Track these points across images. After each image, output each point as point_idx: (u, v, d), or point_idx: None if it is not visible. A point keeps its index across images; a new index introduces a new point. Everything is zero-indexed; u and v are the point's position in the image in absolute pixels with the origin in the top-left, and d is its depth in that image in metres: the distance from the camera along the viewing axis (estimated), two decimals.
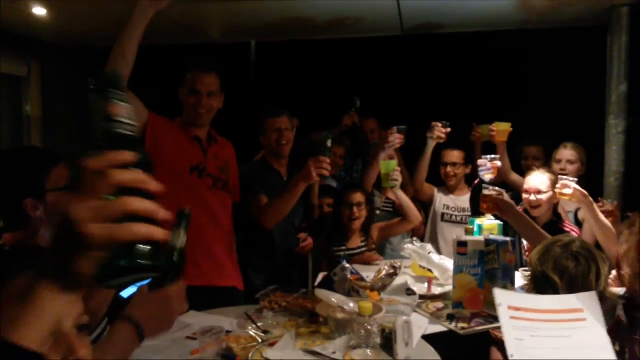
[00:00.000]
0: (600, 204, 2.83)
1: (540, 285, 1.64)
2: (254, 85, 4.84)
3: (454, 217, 3.43)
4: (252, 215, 2.72)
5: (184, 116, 2.47)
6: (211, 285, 2.38)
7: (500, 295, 1.53)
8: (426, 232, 3.53)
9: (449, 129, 3.24)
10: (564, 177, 2.69)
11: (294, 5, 3.37)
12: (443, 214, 3.47)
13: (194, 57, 4.32)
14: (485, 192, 2.36)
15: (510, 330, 1.45)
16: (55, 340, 0.85)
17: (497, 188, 2.36)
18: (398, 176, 2.98)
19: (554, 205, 2.81)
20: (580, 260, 1.65)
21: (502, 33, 4.00)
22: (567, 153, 3.23)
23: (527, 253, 2.72)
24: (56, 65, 4.35)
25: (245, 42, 4.80)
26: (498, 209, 2.33)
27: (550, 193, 2.75)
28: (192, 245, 2.28)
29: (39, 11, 3.45)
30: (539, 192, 2.76)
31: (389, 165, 3.00)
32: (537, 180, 2.78)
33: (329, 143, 2.46)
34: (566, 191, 2.60)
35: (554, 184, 2.74)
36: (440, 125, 3.25)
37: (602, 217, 2.57)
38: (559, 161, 3.25)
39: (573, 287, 1.64)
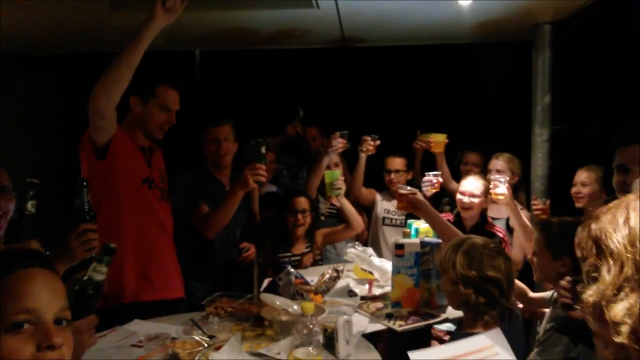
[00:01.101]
0: (536, 202, 3.11)
1: (479, 287, 1.73)
2: (199, 94, 4.85)
3: (394, 221, 3.57)
4: (192, 225, 2.73)
5: (132, 125, 2.39)
6: (162, 299, 2.37)
7: (415, 357, 1.62)
8: (368, 236, 3.66)
9: (377, 142, 3.39)
10: (496, 176, 2.91)
11: (237, 16, 3.41)
12: (384, 218, 3.59)
13: (144, 65, 4.28)
14: (401, 191, 2.48)
15: None
16: (34, 329, 0.93)
17: (409, 187, 2.49)
18: (342, 184, 3.09)
19: (482, 211, 3.03)
20: (504, 255, 1.82)
21: (439, 47, 4.21)
22: (496, 163, 3.44)
23: None
24: (3, 72, 4.22)
25: (190, 51, 4.81)
26: (413, 207, 2.45)
27: (483, 198, 2.96)
28: (145, 259, 2.33)
29: None
30: (472, 195, 2.95)
31: (333, 175, 3.11)
32: (472, 185, 2.99)
33: (263, 149, 2.52)
34: (499, 190, 2.81)
35: (487, 190, 2.95)
36: (369, 138, 3.38)
37: (524, 218, 2.82)
38: (490, 171, 3.46)
39: (510, 280, 1.80)
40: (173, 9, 2.06)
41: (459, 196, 3.01)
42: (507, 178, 2.93)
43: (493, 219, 3.22)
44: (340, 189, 3.08)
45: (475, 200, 2.96)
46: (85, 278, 1.34)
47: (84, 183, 1.58)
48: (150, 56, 4.45)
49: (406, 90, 4.63)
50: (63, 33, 3.81)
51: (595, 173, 3.01)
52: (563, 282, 1.76)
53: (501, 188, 2.83)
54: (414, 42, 4.09)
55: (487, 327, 1.72)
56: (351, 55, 4.34)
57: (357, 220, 3.19)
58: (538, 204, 3.12)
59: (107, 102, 2.03)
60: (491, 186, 2.89)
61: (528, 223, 2.83)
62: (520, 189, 3.56)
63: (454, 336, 1.83)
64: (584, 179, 3.03)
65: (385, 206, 3.61)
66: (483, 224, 3.00)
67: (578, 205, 3.03)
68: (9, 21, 3.49)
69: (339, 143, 3.19)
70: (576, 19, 3.37)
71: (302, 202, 3.09)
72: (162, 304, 2.35)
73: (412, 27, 3.67)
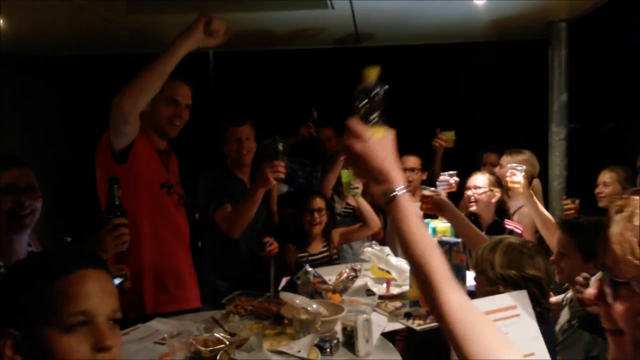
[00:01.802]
0: (566, 202, 3.14)
1: (520, 286, 1.69)
2: (212, 95, 4.87)
3: None
4: (217, 224, 2.71)
5: (146, 125, 2.31)
6: (180, 310, 2.31)
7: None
8: (385, 235, 3.65)
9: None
10: (514, 165, 2.89)
11: (251, 17, 3.43)
12: None
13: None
14: (425, 192, 2.48)
15: None
16: (88, 329, 0.95)
17: (432, 189, 2.49)
18: (359, 184, 3.09)
19: (498, 205, 3.00)
20: (542, 254, 1.81)
21: (454, 45, 4.20)
22: (508, 159, 3.43)
23: None
24: (11, 75, 4.27)
25: (204, 52, 4.83)
26: (438, 209, 2.45)
27: (487, 189, 2.95)
28: (163, 269, 2.29)
29: None
30: (476, 187, 2.96)
31: (350, 175, 3.11)
32: (476, 178, 3.01)
33: (281, 147, 2.54)
34: (516, 178, 2.78)
35: (491, 183, 2.95)
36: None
37: (542, 208, 2.79)
38: (501, 166, 3.44)
39: (550, 279, 1.79)
40: (215, 34, 2.10)
41: (465, 192, 3.02)
42: (525, 167, 2.91)
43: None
44: (357, 188, 3.08)
45: (479, 191, 2.94)
46: None
47: (115, 180, 1.61)
48: None
49: (420, 89, 4.62)
50: (79, 35, 3.85)
51: (617, 173, 3.07)
52: (579, 279, 1.75)
53: (518, 176, 2.79)
54: (429, 40, 4.09)
55: None
56: (365, 54, 4.34)
57: (374, 219, 3.20)
58: (568, 203, 3.11)
59: (133, 107, 2.02)
60: (508, 174, 2.86)
61: (547, 214, 2.80)
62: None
63: None
64: (606, 179, 3.10)
65: None
66: (500, 221, 2.99)
67: (601, 204, 3.07)
68: (22, 23, 3.55)
69: None
70: (592, 16, 3.36)
71: (318, 202, 3.11)
72: (179, 315, 2.28)
73: (426, 25, 3.67)
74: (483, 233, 2.47)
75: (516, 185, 2.81)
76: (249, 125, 2.92)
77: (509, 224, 3.00)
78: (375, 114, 1.18)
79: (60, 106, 4.70)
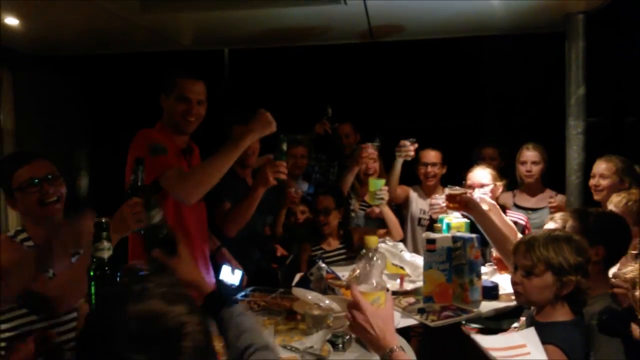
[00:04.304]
0: (552, 200, 3.09)
1: (586, 271, 1.73)
2: (228, 93, 4.90)
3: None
4: (215, 223, 2.73)
5: (166, 123, 2.40)
6: None
7: (482, 341, 1.66)
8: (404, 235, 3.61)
9: (416, 145, 3.30)
10: (480, 191, 2.86)
11: (265, 14, 3.43)
12: (420, 219, 3.51)
13: (173, 64, 4.37)
14: (451, 192, 2.47)
15: None
16: None
17: (457, 187, 2.48)
18: (385, 194, 3.05)
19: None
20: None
21: (469, 39, 4.15)
22: (530, 154, 3.40)
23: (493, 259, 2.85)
24: (29, 74, 4.35)
25: (219, 50, 4.86)
26: (465, 207, 2.43)
27: (492, 186, 2.93)
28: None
29: (11, 21, 3.45)
30: (482, 185, 2.92)
31: (377, 184, 3.07)
32: (480, 175, 2.97)
33: (285, 147, 2.51)
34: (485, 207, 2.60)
35: (494, 177, 2.93)
36: (408, 143, 3.28)
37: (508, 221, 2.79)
38: (524, 162, 3.40)
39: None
40: (271, 123, 2.33)
41: (470, 192, 2.96)
42: (490, 194, 2.90)
43: (532, 209, 3.21)
44: (382, 198, 3.05)
45: (486, 190, 2.93)
46: (94, 260, 1.37)
47: (141, 161, 1.64)
48: (179, 55, 4.56)
49: (435, 84, 4.59)
50: (94, 34, 3.90)
51: (614, 164, 2.91)
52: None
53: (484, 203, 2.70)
54: (443, 35, 4.04)
55: (573, 312, 1.73)
56: (379, 49, 4.32)
57: (397, 230, 3.19)
58: (554, 201, 3.18)
59: (194, 197, 2.16)
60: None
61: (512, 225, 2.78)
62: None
63: (537, 326, 1.73)
64: (602, 171, 2.94)
65: (420, 206, 3.52)
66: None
67: (596, 198, 2.94)
68: (39, 23, 3.60)
69: (370, 154, 3.17)
70: (610, 7, 3.29)
71: (325, 202, 3.08)
72: None
73: (441, 20, 3.63)
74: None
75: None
76: None
77: (512, 215, 2.99)
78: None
79: (78, 104, 4.77)
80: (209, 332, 0.92)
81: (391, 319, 1.35)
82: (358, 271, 2.44)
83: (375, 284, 1.44)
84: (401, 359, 1.26)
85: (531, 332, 1.64)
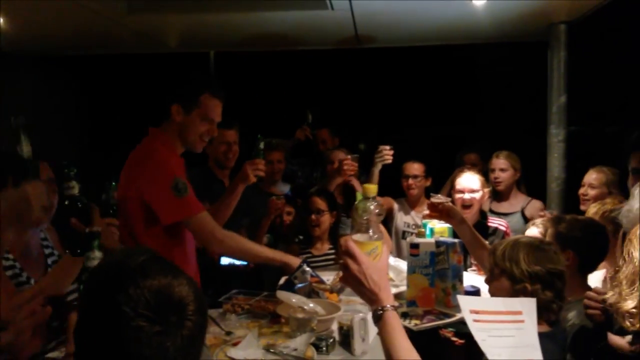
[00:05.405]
0: (542, 213, 3.09)
1: (547, 282, 1.71)
2: None
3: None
4: None
5: (173, 136, 2.25)
6: None
7: (463, 301, 1.62)
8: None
9: (392, 151, 3.18)
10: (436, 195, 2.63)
11: (251, 17, 3.44)
12: (404, 232, 3.48)
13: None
14: (435, 200, 2.46)
15: (477, 332, 1.53)
16: None
17: (440, 195, 2.48)
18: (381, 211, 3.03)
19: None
20: (559, 249, 1.83)
21: (452, 47, 4.21)
22: (498, 162, 3.43)
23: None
24: (13, 74, 4.29)
25: (204, 52, 4.85)
26: (446, 216, 2.45)
27: (482, 192, 2.95)
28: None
29: None
30: (472, 190, 2.93)
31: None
32: (470, 180, 2.97)
33: (262, 145, 2.55)
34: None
35: (483, 184, 2.95)
36: (388, 147, 3.18)
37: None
38: (493, 170, 3.44)
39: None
40: (259, 170, 2.47)
41: (457, 195, 2.97)
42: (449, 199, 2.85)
43: (504, 214, 3.21)
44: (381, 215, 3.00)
45: (476, 195, 2.94)
46: (85, 269, 1.38)
47: (112, 181, 1.64)
48: (165, 58, 4.54)
49: (420, 91, 4.64)
50: (80, 35, 3.87)
51: (605, 175, 2.91)
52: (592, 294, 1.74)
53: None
54: (428, 42, 4.09)
55: (548, 324, 1.70)
56: (365, 55, 4.35)
57: (388, 243, 3.19)
58: (545, 214, 3.09)
59: (211, 248, 2.32)
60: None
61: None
62: (522, 184, 3.56)
63: None
64: (592, 181, 2.95)
65: (404, 219, 3.50)
66: (484, 221, 2.99)
67: (582, 207, 2.93)
68: (25, 23, 3.56)
69: (350, 167, 3.11)
70: (592, 18, 3.36)
71: (318, 202, 3.06)
72: None
73: (426, 27, 3.68)
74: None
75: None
76: (236, 129, 2.93)
77: (493, 221, 3.00)
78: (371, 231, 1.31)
79: (65, 106, 4.72)
80: (204, 302, 0.98)
81: (386, 273, 1.26)
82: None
83: (372, 234, 1.33)
84: (392, 321, 1.17)
85: (531, 302, 1.61)
